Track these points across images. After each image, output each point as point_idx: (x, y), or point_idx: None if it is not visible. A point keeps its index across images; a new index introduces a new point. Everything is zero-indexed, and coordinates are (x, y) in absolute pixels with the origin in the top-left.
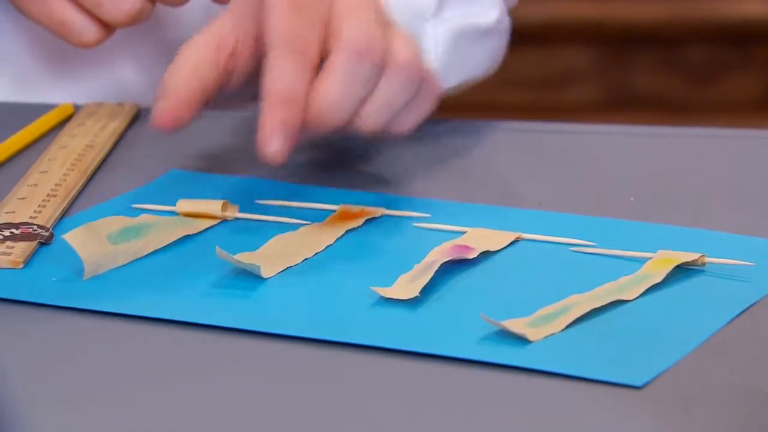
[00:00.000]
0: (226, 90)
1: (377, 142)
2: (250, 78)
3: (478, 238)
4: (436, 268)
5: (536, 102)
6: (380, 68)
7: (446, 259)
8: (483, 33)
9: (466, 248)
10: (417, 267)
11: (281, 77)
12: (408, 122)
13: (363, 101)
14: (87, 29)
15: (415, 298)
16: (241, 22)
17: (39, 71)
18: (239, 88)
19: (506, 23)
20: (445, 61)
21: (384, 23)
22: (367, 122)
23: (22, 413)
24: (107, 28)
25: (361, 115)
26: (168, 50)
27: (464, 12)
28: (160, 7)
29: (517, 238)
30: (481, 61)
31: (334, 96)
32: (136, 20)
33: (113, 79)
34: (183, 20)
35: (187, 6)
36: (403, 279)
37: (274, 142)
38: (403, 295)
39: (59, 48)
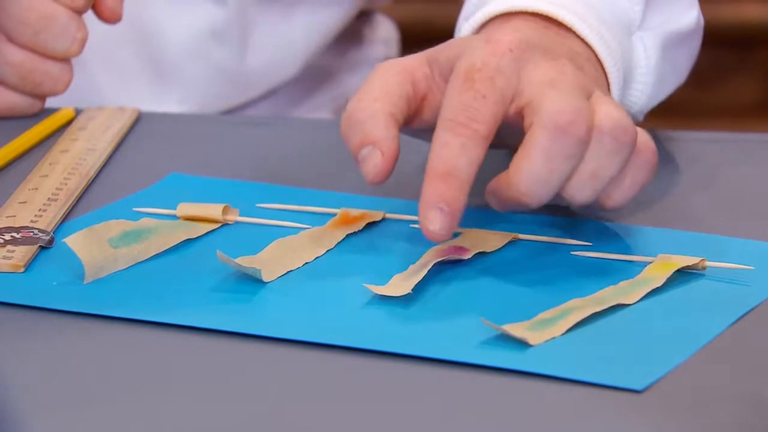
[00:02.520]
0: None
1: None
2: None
3: (474, 239)
4: (429, 267)
5: None
6: (585, 141)
7: (440, 259)
8: (685, 36)
9: (461, 249)
10: (411, 267)
11: (441, 149)
12: (620, 194)
13: (569, 176)
14: (32, 105)
15: (415, 300)
16: (432, 59)
17: None
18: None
19: (702, 21)
20: (658, 73)
21: (586, 89)
22: (574, 196)
23: (23, 417)
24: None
25: (567, 190)
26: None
27: (668, 17)
28: (142, 20)
29: (513, 238)
30: (686, 65)
31: (535, 174)
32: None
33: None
34: (167, 35)
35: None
36: (397, 278)
37: (433, 220)
38: (396, 292)
39: None
